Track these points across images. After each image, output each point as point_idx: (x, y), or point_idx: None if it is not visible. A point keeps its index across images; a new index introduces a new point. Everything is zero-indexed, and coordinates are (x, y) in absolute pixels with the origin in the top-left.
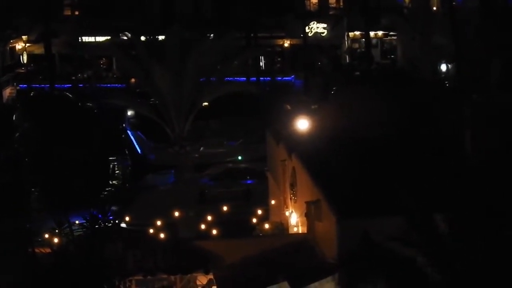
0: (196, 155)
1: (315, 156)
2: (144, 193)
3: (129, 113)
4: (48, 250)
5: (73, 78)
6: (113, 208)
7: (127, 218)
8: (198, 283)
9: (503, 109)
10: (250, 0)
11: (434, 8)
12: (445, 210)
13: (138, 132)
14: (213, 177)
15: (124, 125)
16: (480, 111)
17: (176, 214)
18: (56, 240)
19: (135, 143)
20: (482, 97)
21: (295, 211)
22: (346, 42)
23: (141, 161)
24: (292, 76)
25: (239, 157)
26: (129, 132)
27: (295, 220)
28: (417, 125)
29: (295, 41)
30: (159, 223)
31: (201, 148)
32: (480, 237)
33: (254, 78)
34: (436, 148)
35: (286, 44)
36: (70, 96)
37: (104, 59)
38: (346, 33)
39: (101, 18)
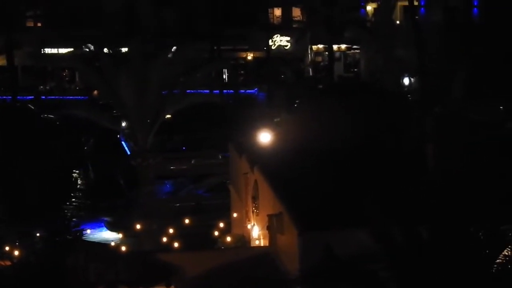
0: (187, 167)
1: (277, 169)
2: (138, 204)
3: (124, 124)
4: (8, 263)
5: (36, 90)
6: (108, 219)
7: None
8: None
9: (466, 122)
10: (213, 12)
11: (398, 22)
12: (408, 223)
13: (132, 143)
14: (209, 188)
15: (118, 136)
16: (443, 124)
17: (138, 226)
18: (16, 252)
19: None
20: (445, 110)
21: (257, 224)
22: (309, 55)
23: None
24: (256, 89)
25: None
26: (123, 143)
27: (257, 233)
28: (379, 138)
29: (258, 54)
30: (120, 235)
31: (193, 161)
32: (443, 251)
33: (218, 91)
34: (398, 161)
35: (250, 57)
36: (33, 108)
37: (67, 71)
38: (309, 46)
39: (64, 29)
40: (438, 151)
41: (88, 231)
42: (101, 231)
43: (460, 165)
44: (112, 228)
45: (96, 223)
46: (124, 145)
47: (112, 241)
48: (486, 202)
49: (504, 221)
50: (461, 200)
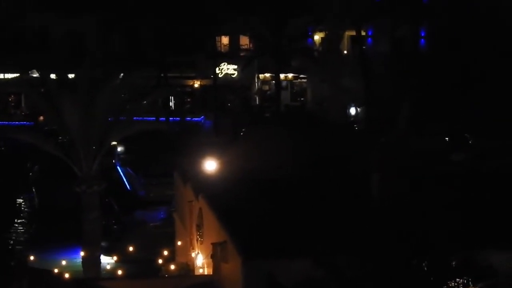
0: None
1: (222, 197)
2: (133, 229)
3: (119, 149)
4: None
5: None
6: (103, 243)
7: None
8: None
9: (411, 152)
10: (161, 39)
11: (345, 52)
12: (351, 253)
13: (128, 169)
14: None
15: (114, 161)
16: (388, 154)
17: (82, 253)
18: None
19: (125, 179)
20: (390, 140)
21: (201, 252)
22: (256, 83)
23: (131, 197)
24: (202, 117)
25: None
26: (118, 168)
27: (201, 262)
28: (325, 167)
29: (205, 82)
30: (64, 262)
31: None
32: (388, 280)
33: (164, 118)
34: (343, 191)
35: (197, 84)
36: None
37: (12, 96)
38: (256, 75)
39: (11, 55)
40: (383, 181)
41: (32, 257)
42: None
43: (405, 196)
44: (107, 252)
45: None
46: (120, 170)
47: (107, 264)
48: (430, 232)
49: (448, 251)
50: (406, 230)
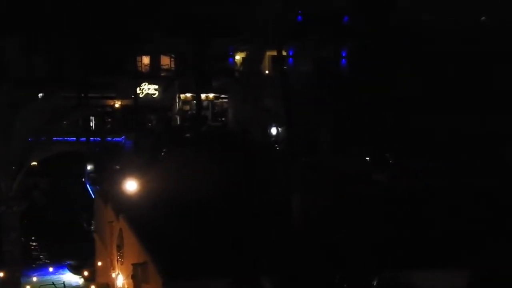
0: None
1: (142, 218)
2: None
3: (89, 167)
4: None
5: None
6: (71, 262)
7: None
8: None
9: (333, 172)
10: (81, 59)
11: (266, 72)
12: (272, 273)
13: (97, 187)
14: None
15: (83, 179)
16: (309, 174)
17: (1, 274)
18: None
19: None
20: (312, 160)
21: (122, 273)
22: (177, 103)
23: None
24: (123, 137)
25: None
26: (88, 187)
27: (121, 282)
28: (245, 187)
29: (126, 102)
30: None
31: None
32: None
33: (84, 138)
34: (264, 211)
35: (117, 104)
36: None
37: None
38: (177, 95)
39: None
40: (304, 201)
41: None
42: (64, 273)
43: (326, 215)
44: (74, 271)
45: (60, 265)
46: (89, 189)
47: (75, 284)
48: (352, 251)
49: (370, 271)
50: (327, 250)
